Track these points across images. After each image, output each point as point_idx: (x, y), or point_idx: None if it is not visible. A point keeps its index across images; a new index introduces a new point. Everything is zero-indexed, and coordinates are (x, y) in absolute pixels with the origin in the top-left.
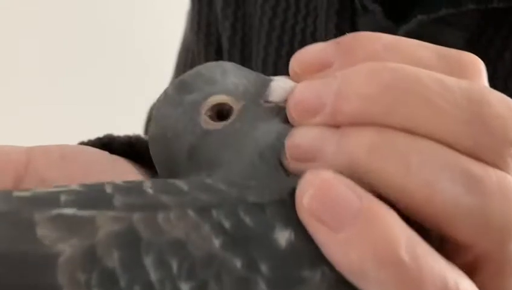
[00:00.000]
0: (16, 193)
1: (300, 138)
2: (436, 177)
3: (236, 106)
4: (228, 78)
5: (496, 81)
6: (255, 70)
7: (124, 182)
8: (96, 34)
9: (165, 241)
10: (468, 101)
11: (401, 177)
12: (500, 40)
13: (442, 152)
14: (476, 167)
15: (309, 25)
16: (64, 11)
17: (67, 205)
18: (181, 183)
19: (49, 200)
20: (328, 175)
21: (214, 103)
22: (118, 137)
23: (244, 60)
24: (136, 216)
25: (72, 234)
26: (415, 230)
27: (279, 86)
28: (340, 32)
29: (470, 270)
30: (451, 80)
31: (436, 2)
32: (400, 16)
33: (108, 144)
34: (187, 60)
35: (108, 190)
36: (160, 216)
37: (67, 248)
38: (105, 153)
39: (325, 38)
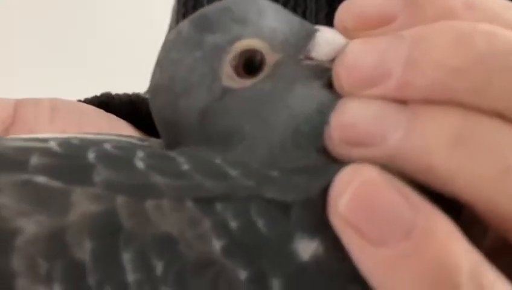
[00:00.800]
0: None
1: (355, 115)
2: None
3: (270, 58)
4: (265, 20)
5: None
6: None
7: (113, 146)
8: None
9: (151, 236)
10: None
11: (495, 183)
12: None
13: None
14: None
15: (298, 15)
16: None
17: (38, 170)
18: (182, 160)
19: (18, 160)
20: (373, 174)
21: (243, 48)
22: (117, 95)
23: None
24: (120, 199)
25: (39, 209)
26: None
27: (326, 40)
28: (331, 23)
29: None
30: None
31: None
32: None
33: (107, 103)
34: None
35: (91, 156)
36: (150, 203)
37: (30, 226)
38: (101, 111)
39: None
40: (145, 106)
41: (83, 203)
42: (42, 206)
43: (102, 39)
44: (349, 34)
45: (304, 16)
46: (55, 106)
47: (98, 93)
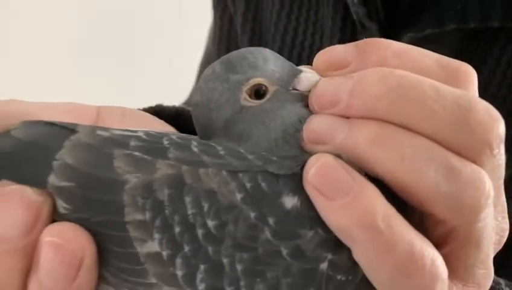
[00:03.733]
0: (98, 131)
1: (316, 125)
2: (423, 167)
3: (271, 89)
4: (268, 65)
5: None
6: None
7: (177, 137)
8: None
9: (202, 189)
10: (457, 107)
11: (396, 164)
12: (479, 56)
13: (430, 147)
14: (457, 161)
15: (316, 41)
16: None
17: (135, 149)
18: (219, 148)
19: (123, 142)
20: (328, 158)
21: (254, 83)
22: (167, 106)
23: None
24: (184, 167)
25: (138, 170)
26: (400, 206)
27: (306, 78)
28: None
29: (443, 241)
30: (445, 88)
31: (424, 22)
32: (394, 32)
33: (158, 113)
34: None
35: (166, 142)
36: (202, 170)
37: (133, 179)
38: (156, 118)
39: None
40: (187, 115)
41: (163, 168)
42: (139, 169)
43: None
44: (322, 73)
45: (320, 41)
46: (124, 113)
47: (153, 104)
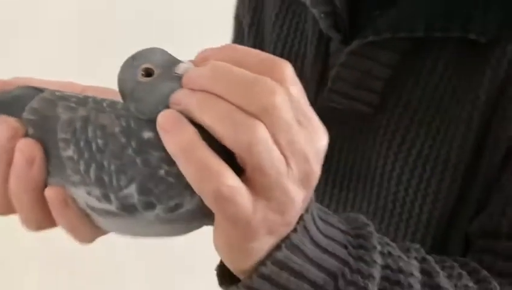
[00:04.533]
0: (56, 92)
1: (177, 94)
2: (221, 120)
3: (156, 71)
4: (155, 57)
5: (419, 92)
6: None
7: (101, 99)
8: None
9: (99, 123)
10: (249, 84)
11: (208, 118)
12: (421, 60)
13: (229, 109)
14: (243, 117)
15: (301, 47)
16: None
17: (72, 102)
18: (119, 105)
19: (67, 98)
20: (171, 111)
21: (145, 67)
22: None
23: None
24: (92, 112)
25: (68, 112)
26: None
27: (184, 66)
28: (317, 52)
29: (243, 169)
30: (246, 74)
31: (367, 31)
32: (355, 39)
33: None
34: None
35: (90, 100)
36: (101, 115)
37: (64, 116)
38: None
39: (312, 57)
40: None
41: (81, 112)
42: (69, 111)
43: None
44: (196, 64)
45: (304, 48)
46: (105, 91)
47: None
